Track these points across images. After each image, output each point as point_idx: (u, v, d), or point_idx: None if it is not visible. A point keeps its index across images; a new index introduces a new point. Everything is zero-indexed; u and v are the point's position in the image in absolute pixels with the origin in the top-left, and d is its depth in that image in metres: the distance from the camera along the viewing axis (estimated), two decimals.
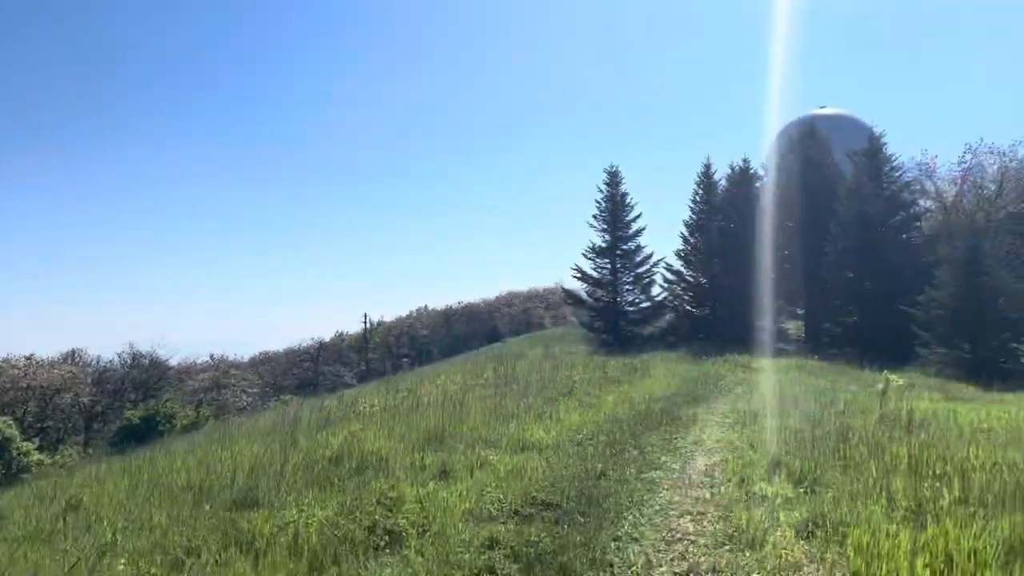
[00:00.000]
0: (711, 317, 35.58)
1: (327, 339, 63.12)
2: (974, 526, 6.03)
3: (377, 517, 6.45)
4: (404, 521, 6.44)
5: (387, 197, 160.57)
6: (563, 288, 45.08)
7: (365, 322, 61.38)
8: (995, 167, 40.95)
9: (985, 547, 5.46)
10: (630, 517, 6.80)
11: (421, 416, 12.47)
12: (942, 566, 5.19)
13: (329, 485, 7.96)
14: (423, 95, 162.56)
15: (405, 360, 60.07)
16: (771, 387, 16.43)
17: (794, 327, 37.58)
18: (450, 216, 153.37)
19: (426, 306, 70.46)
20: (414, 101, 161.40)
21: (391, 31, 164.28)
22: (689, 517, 6.84)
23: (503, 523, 6.56)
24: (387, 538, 6.13)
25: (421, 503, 6.97)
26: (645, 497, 7.48)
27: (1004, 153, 40.65)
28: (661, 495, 7.59)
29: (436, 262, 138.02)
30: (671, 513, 6.97)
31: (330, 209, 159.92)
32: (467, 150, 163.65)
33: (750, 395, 15.40)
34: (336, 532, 6.18)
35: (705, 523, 6.64)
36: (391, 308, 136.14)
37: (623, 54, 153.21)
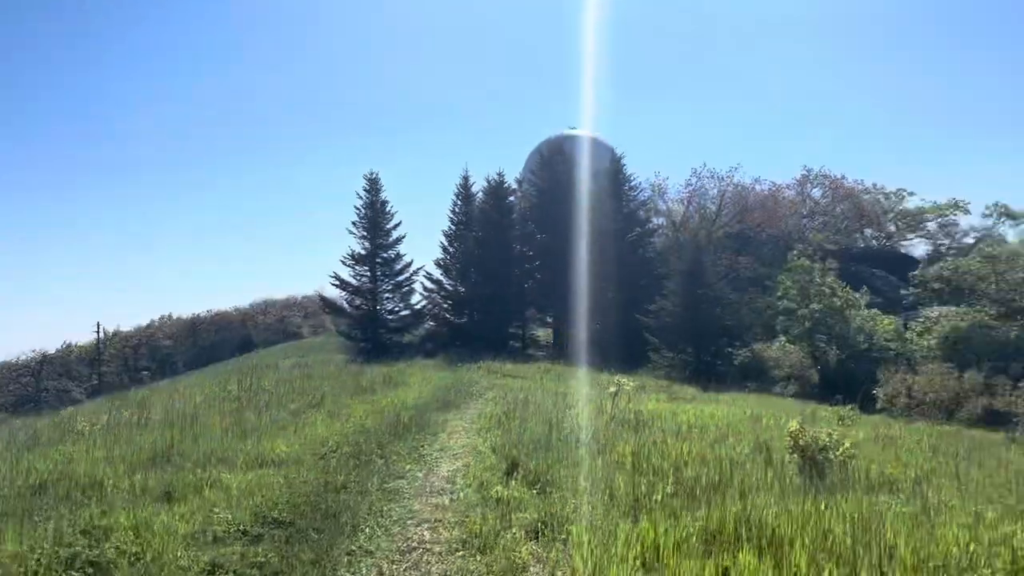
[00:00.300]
0: (468, 325, 36.40)
1: (52, 351, 56.27)
2: (682, 517, 6.62)
3: (79, 548, 5.75)
4: (113, 551, 5.80)
5: (127, 197, 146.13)
6: (321, 296, 43.87)
7: (98, 332, 55.68)
8: (715, 190, 46.33)
9: (689, 536, 6.00)
10: (367, 529, 6.69)
11: (149, 434, 11.44)
12: (651, 557, 5.61)
13: (27, 516, 7.01)
14: (168, 91, 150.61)
15: (145, 373, 55.08)
16: (519, 392, 17.05)
17: (544, 334, 39.53)
18: (200, 219, 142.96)
19: (170, 314, 64.85)
20: (156, 96, 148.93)
21: (134, 22, 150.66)
22: (427, 525, 6.86)
23: (229, 545, 6.15)
24: (90, 570, 5.50)
25: (137, 529, 6.34)
26: (385, 508, 7.40)
27: (722, 177, 46.22)
28: (402, 504, 7.56)
29: (183, 268, 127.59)
30: (409, 522, 6.95)
31: (55, 209, 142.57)
32: (217, 150, 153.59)
33: (499, 400, 15.86)
34: (26, 569, 5.43)
35: (442, 530, 6.69)
36: (130, 316, 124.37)
37: (389, 63, 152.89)
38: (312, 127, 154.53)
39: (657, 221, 45.85)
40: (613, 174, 37.24)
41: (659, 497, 7.36)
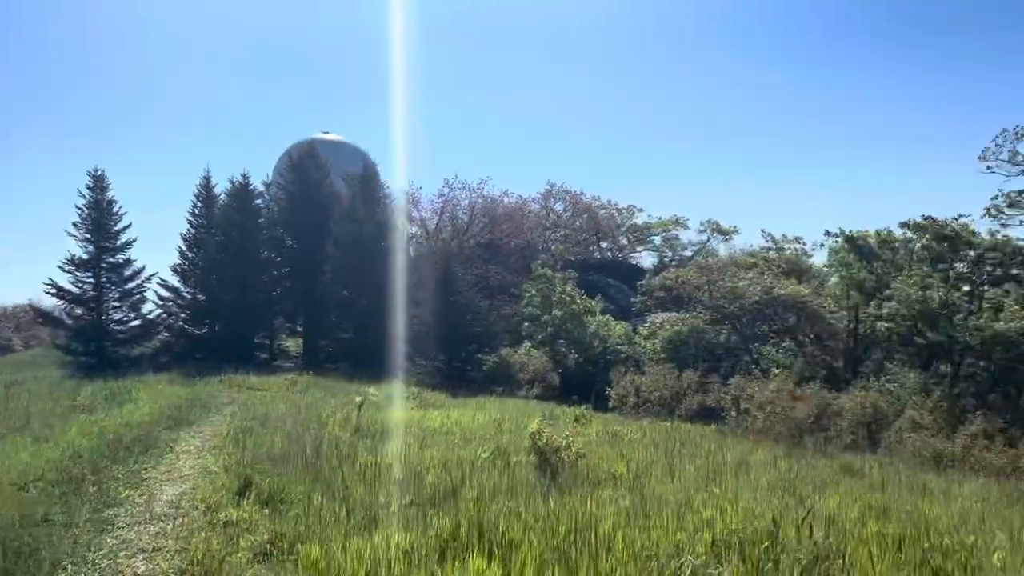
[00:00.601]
0: (210, 335, 34.16)
1: None
2: (418, 526, 6.65)
3: None
4: None
5: None
6: (32, 306, 38.95)
7: None
8: (467, 201, 47.75)
9: (421, 546, 6.03)
10: (70, 566, 6.01)
11: None
12: (381, 570, 5.56)
13: None
14: None
15: None
16: (261, 406, 16.29)
17: (293, 344, 38.18)
18: None
19: None
20: None
21: None
22: (143, 555, 6.30)
23: None
24: None
25: None
26: (95, 540, 6.70)
27: (473, 189, 47.72)
28: (115, 535, 6.88)
29: None
30: (122, 554, 6.34)
31: None
32: None
33: (239, 415, 15.02)
34: None
35: (160, 560, 6.18)
36: None
37: (129, 59, 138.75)
38: (31, 119, 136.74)
39: (411, 230, 46.28)
40: (366, 180, 36.89)
41: (395, 508, 7.35)
